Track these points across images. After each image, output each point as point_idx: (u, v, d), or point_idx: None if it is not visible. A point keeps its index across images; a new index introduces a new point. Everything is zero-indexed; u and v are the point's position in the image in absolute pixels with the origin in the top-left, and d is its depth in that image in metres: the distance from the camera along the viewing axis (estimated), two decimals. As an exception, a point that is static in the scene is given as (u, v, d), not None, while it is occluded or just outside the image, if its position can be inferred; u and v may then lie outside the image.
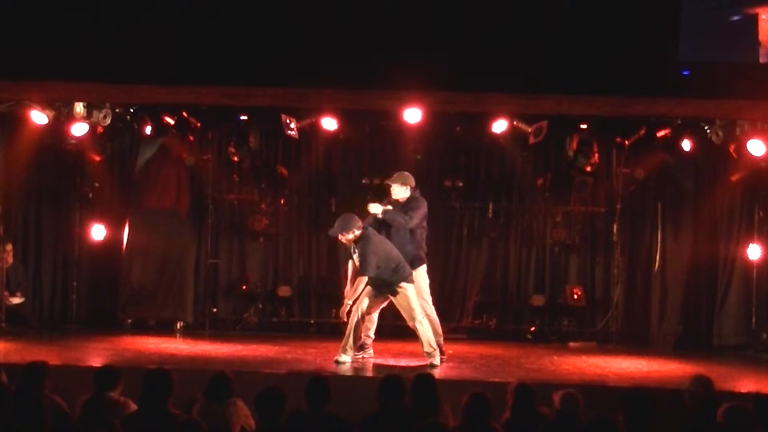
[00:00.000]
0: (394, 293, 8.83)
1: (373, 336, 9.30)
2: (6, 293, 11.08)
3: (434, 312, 9.31)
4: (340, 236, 8.78)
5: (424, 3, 8.15)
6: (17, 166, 11.50)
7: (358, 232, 8.71)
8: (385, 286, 8.83)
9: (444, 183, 11.95)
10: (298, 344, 10.36)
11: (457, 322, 12.00)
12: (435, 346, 8.90)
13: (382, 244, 8.81)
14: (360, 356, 9.13)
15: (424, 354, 8.91)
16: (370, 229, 8.84)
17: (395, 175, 9.32)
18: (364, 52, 8.03)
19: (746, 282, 11.45)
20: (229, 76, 8.36)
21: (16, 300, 11.25)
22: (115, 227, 11.94)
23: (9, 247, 11.28)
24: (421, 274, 9.23)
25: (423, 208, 9.23)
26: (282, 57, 8.15)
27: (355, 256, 8.82)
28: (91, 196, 11.90)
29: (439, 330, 9.29)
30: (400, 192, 9.23)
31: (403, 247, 9.02)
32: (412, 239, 9.19)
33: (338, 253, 12.08)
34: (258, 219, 11.92)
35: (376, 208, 9.05)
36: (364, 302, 8.91)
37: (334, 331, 11.80)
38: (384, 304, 9.13)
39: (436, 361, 8.89)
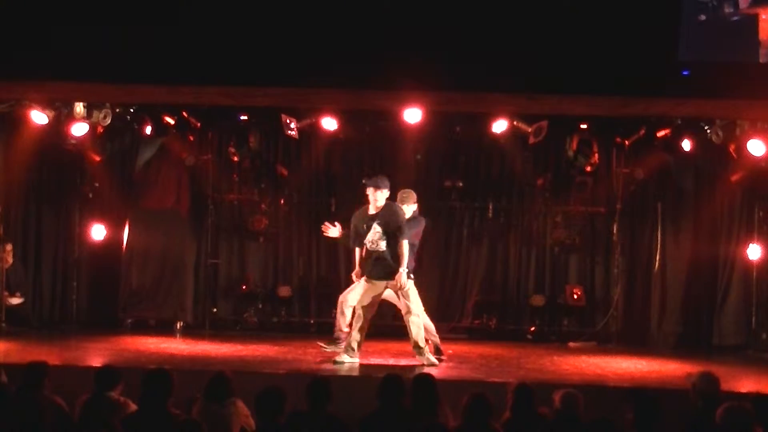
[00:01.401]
0: (392, 278, 8.77)
1: (347, 330, 9.21)
2: (6, 293, 11.08)
3: (428, 320, 9.29)
4: (373, 190, 8.80)
5: (423, 3, 8.15)
6: (17, 166, 11.49)
7: (386, 193, 8.78)
8: (383, 269, 8.79)
9: (444, 183, 11.95)
10: (298, 344, 10.35)
11: (457, 322, 12.00)
12: (423, 345, 8.90)
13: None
14: (330, 350, 9.16)
15: (414, 351, 8.89)
16: None
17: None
18: (364, 52, 8.03)
19: (746, 282, 11.45)
20: (229, 76, 8.36)
21: (16, 300, 11.25)
22: (115, 227, 11.94)
23: (9, 247, 11.28)
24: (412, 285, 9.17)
25: (419, 226, 9.29)
26: (282, 57, 8.15)
27: (374, 229, 8.75)
28: (91, 196, 11.90)
29: (434, 330, 9.28)
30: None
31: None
32: (410, 251, 9.08)
33: (338, 253, 12.08)
34: (258, 219, 11.92)
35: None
36: (360, 299, 8.90)
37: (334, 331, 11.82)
38: (379, 299, 9.08)
39: (432, 359, 8.88)
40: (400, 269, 8.68)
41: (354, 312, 8.94)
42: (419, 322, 8.86)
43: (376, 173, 9.66)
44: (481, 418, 5.46)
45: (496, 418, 5.65)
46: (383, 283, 8.86)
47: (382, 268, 8.79)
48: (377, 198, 8.82)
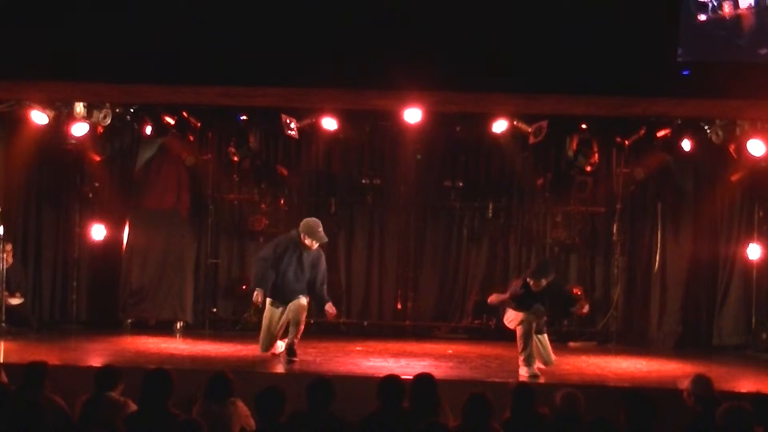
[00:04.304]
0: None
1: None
2: (5, 293, 11.07)
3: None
4: (542, 281, 8.76)
5: (423, 3, 8.14)
6: (17, 166, 11.50)
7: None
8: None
9: (444, 183, 11.95)
10: (298, 344, 10.32)
11: (457, 322, 12.00)
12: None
13: None
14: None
15: (293, 342, 9.18)
16: None
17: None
18: (364, 52, 8.03)
19: (746, 282, 11.45)
20: (229, 76, 8.36)
21: (15, 300, 11.24)
22: (115, 227, 11.94)
23: (9, 247, 11.28)
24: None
25: None
26: (282, 57, 8.15)
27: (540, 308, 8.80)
28: (91, 196, 11.90)
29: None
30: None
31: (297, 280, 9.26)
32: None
33: (338, 254, 12.08)
34: (258, 219, 11.91)
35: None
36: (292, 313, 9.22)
37: (334, 331, 11.82)
38: None
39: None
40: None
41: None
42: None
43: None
44: (481, 418, 5.45)
45: (496, 418, 5.65)
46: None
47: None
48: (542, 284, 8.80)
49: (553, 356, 9.00)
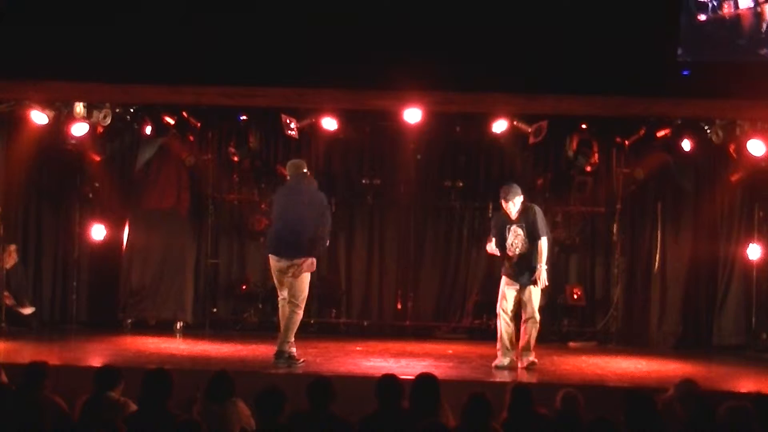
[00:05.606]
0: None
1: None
2: (8, 297, 11.07)
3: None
4: (511, 202, 8.84)
5: (423, 3, 8.15)
6: (17, 166, 11.49)
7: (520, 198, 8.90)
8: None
9: (444, 183, 11.96)
10: (298, 344, 10.28)
11: (457, 322, 12.00)
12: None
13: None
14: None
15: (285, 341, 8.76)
16: None
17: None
18: (364, 52, 8.04)
19: (746, 282, 11.44)
20: (229, 76, 8.37)
21: (27, 310, 11.26)
22: (115, 227, 11.94)
23: (13, 247, 11.30)
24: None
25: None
26: (282, 57, 8.16)
27: (517, 231, 8.84)
28: (91, 196, 11.90)
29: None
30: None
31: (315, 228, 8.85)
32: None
33: (338, 254, 12.09)
34: (258, 219, 11.90)
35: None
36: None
37: (334, 331, 11.83)
38: None
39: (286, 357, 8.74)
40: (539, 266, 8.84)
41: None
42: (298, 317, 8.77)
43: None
44: (481, 418, 5.45)
45: (495, 418, 5.65)
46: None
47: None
48: (511, 207, 8.88)
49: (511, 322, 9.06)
